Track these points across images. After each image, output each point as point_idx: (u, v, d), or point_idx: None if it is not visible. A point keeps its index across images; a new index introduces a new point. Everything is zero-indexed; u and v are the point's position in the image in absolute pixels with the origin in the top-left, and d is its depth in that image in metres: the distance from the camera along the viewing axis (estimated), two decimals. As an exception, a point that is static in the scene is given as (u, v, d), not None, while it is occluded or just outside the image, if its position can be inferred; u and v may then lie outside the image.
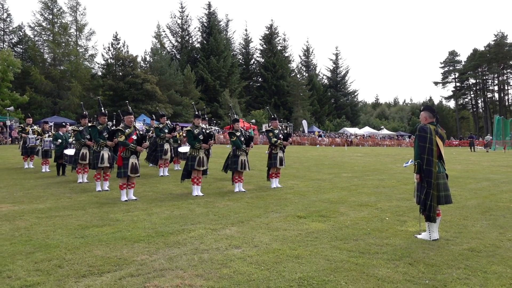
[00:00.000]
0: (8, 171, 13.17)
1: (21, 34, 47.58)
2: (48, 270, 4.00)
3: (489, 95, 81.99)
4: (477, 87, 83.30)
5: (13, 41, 47.71)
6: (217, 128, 39.22)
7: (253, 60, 70.00)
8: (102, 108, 9.78)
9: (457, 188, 10.25)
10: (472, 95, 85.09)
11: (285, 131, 10.69)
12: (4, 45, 46.26)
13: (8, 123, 30.42)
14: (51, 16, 45.80)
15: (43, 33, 46.31)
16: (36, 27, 45.94)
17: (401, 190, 9.86)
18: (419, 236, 5.40)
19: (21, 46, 47.74)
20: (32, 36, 46.81)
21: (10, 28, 47.32)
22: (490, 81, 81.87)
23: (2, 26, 46.84)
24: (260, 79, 67.90)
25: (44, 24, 45.75)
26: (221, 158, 18.15)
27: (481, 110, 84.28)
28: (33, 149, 14.11)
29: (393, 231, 5.74)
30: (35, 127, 14.58)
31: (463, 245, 5.08)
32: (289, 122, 53.76)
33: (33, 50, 44.70)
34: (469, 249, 4.90)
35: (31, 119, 15.24)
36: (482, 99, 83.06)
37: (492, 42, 76.60)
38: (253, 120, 45.33)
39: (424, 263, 4.36)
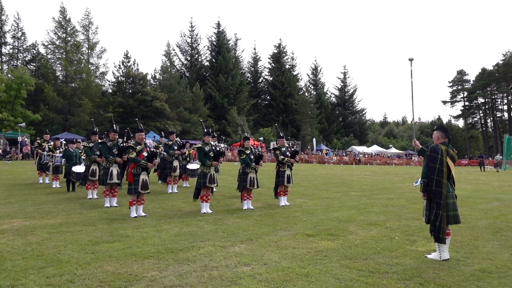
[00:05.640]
0: (20, 186, 13.33)
1: (34, 52, 48.60)
2: (60, 285, 4.05)
3: (499, 114, 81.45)
4: (486, 106, 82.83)
5: (26, 59, 48.73)
6: (225, 145, 39.36)
7: (262, 78, 70.59)
8: (114, 125, 9.93)
9: (467, 208, 10.16)
10: (481, 114, 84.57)
11: (292, 149, 10.75)
12: (18, 63, 47.30)
13: (19, 139, 30.85)
14: (64, 35, 46.84)
15: (56, 51, 47.31)
16: (49, 45, 47.02)
17: (411, 210, 9.80)
18: (429, 256, 5.37)
19: (34, 64, 48.67)
20: (45, 54, 47.84)
21: (24, 46, 48.42)
22: (499, 100, 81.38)
23: (16, 44, 47.98)
24: (268, 97, 68.29)
25: (57, 42, 46.76)
26: (229, 175, 18.23)
27: (490, 130, 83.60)
28: (46, 165, 14.29)
29: (403, 251, 5.71)
30: (52, 143, 14.72)
31: (474, 265, 5.04)
32: (297, 140, 53.79)
33: (46, 68, 45.58)
34: (481, 269, 4.86)
35: (48, 136, 15.36)
36: (491, 118, 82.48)
37: (501, 62, 76.49)
38: (261, 138, 45.46)
39: (434, 283, 4.33)
